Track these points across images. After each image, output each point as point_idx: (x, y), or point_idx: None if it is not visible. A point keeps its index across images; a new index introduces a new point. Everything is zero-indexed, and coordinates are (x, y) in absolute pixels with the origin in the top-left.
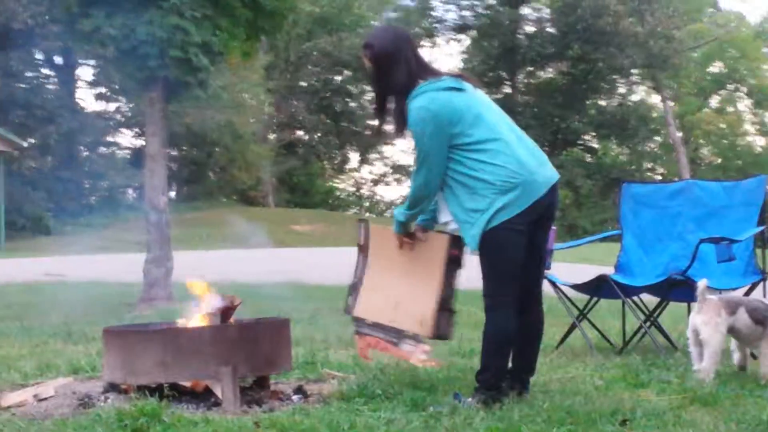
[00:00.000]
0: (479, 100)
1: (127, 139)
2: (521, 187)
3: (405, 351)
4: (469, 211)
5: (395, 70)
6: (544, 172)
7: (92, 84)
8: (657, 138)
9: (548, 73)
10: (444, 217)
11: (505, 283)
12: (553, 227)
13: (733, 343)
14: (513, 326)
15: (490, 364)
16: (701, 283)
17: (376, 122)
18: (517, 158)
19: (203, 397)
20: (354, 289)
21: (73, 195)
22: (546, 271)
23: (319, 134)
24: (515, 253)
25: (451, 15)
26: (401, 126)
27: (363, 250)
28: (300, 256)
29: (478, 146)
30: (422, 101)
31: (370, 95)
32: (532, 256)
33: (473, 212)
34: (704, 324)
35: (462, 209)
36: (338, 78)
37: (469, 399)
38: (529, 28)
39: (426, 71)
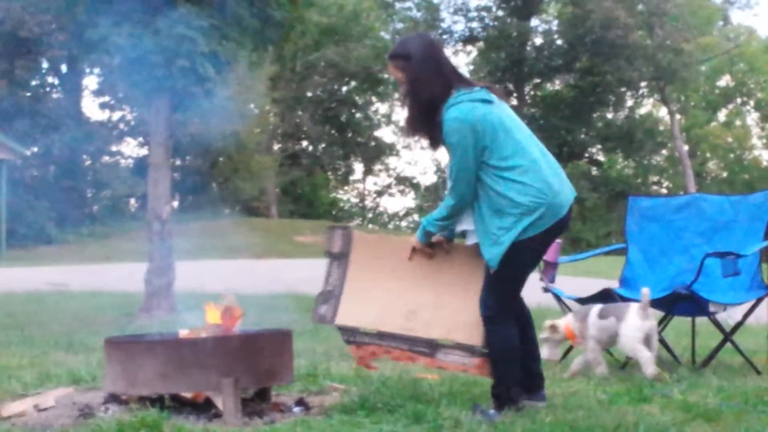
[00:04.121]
0: (507, 114)
1: (130, 148)
2: (546, 207)
3: (450, 362)
4: (494, 227)
5: (432, 80)
6: (565, 191)
7: (97, 93)
8: (663, 151)
9: (555, 85)
10: (462, 226)
11: (512, 298)
12: (558, 240)
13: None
14: (516, 334)
15: (505, 374)
16: (646, 291)
17: (407, 134)
18: (543, 178)
19: (204, 408)
20: (328, 296)
21: (75, 204)
22: (550, 284)
23: (323, 145)
24: (527, 271)
25: (459, 26)
26: (437, 138)
27: (339, 257)
28: (303, 267)
29: (507, 162)
30: (458, 112)
31: (376, 106)
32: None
33: (498, 229)
34: (653, 329)
35: (485, 225)
36: (344, 88)
37: (492, 411)
38: (538, 40)
39: (459, 79)
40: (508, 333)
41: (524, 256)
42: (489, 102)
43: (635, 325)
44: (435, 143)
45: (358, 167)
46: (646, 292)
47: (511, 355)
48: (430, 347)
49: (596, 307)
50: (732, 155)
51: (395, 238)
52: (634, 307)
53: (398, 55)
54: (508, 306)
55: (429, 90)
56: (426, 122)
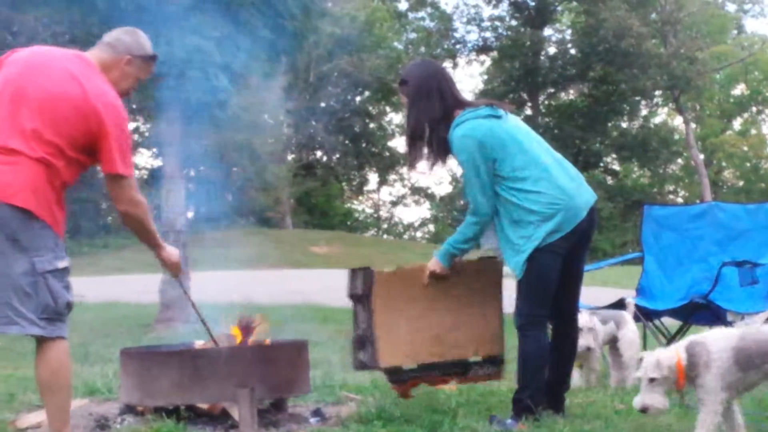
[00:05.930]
0: (516, 126)
1: (144, 159)
2: (563, 212)
3: (481, 375)
4: (514, 238)
5: (429, 103)
6: (583, 195)
7: None
8: (679, 160)
9: (570, 94)
10: (487, 242)
11: (543, 304)
12: None
13: None
14: (547, 344)
15: (530, 382)
16: (631, 301)
17: (408, 156)
18: (557, 184)
19: (220, 419)
20: (362, 341)
21: (90, 215)
22: None
23: (337, 155)
24: (554, 275)
25: (473, 36)
26: (439, 157)
27: (362, 299)
28: (318, 278)
29: (519, 173)
30: (465, 129)
31: (390, 116)
32: (572, 277)
33: (519, 238)
34: None
35: (506, 237)
36: (358, 98)
37: (509, 420)
38: (551, 50)
39: (462, 103)
40: (539, 341)
41: (547, 262)
42: (496, 117)
43: (636, 330)
44: (436, 162)
45: (373, 177)
46: (631, 301)
47: (540, 363)
48: (463, 366)
49: (596, 314)
50: (748, 164)
51: (409, 268)
52: (627, 314)
53: (400, 80)
54: (541, 314)
55: (423, 111)
56: (418, 144)
